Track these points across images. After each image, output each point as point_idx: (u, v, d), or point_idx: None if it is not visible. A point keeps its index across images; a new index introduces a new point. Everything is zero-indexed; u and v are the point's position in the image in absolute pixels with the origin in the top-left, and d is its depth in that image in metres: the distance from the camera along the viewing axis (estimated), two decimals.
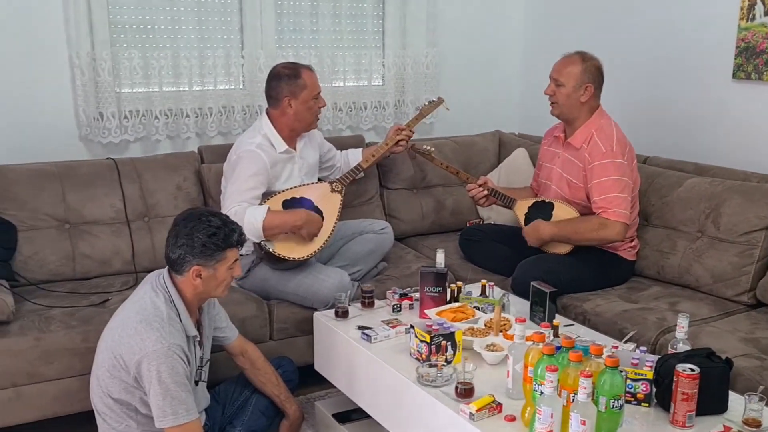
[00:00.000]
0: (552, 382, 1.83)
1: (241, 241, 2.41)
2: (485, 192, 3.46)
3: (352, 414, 2.84)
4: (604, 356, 1.96)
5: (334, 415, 2.84)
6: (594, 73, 3.19)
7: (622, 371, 2.03)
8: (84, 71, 3.50)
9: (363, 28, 4.21)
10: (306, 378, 3.03)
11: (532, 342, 2.05)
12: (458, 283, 2.90)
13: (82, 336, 2.73)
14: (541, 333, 2.04)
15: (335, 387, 2.88)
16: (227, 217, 2.42)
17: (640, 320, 2.85)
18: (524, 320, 2.18)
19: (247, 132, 3.31)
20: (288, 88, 3.16)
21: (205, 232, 2.31)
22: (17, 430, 2.77)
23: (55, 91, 3.54)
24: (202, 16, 3.78)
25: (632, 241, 3.31)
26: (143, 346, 2.24)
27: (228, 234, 2.35)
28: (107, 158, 3.45)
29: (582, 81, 3.16)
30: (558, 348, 2.02)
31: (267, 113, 3.26)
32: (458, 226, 3.95)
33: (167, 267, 2.41)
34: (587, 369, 1.90)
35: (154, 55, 3.67)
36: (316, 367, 2.93)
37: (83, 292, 3.04)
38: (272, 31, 3.93)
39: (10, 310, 2.70)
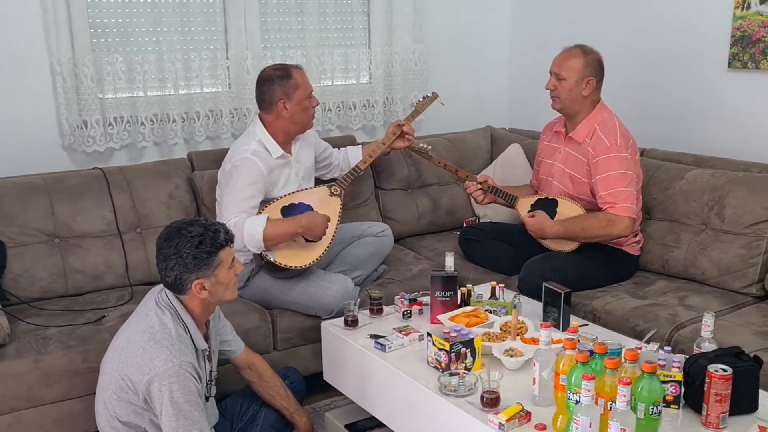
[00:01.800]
0: (589, 391, 1.77)
1: (228, 238, 2.31)
2: (483, 190, 3.40)
3: (363, 423, 2.77)
4: (640, 361, 1.91)
5: (346, 426, 2.76)
6: (595, 66, 3.14)
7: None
8: (66, 78, 3.37)
9: (350, 25, 4.12)
10: (311, 387, 2.95)
11: (561, 348, 1.99)
12: (468, 286, 2.83)
13: (81, 356, 2.62)
14: (572, 340, 1.99)
15: (341, 395, 2.82)
16: (206, 220, 2.32)
17: (652, 317, 2.82)
18: (549, 325, 2.12)
19: (240, 138, 3.21)
20: (281, 90, 3.07)
21: (190, 244, 2.21)
22: None
23: (36, 100, 3.40)
24: (185, 17, 3.66)
25: (636, 235, 3.28)
26: (153, 366, 2.15)
27: (213, 237, 2.25)
28: (94, 168, 3.33)
29: (584, 74, 3.12)
30: (591, 354, 1.97)
31: (260, 118, 3.16)
32: (454, 225, 3.89)
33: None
34: (623, 375, 1.85)
35: (137, 59, 3.54)
36: (325, 377, 2.86)
37: (77, 309, 2.92)
38: (257, 31, 3.82)
39: (5, 332, 2.58)
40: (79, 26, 3.38)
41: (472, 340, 2.32)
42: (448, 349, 2.28)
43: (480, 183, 3.41)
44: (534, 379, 2.11)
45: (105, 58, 3.48)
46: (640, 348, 2.31)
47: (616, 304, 2.95)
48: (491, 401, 2.09)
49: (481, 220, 3.92)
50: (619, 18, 3.94)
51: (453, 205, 3.94)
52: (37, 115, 3.41)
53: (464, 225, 3.82)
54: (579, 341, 2.16)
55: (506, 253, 3.41)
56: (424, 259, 3.54)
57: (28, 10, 3.30)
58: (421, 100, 3.72)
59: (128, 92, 3.56)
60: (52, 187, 3.13)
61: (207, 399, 2.39)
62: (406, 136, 3.48)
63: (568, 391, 1.90)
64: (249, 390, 2.70)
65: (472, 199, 3.54)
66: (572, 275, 3.03)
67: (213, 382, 2.45)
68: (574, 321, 2.69)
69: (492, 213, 3.87)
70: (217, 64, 3.74)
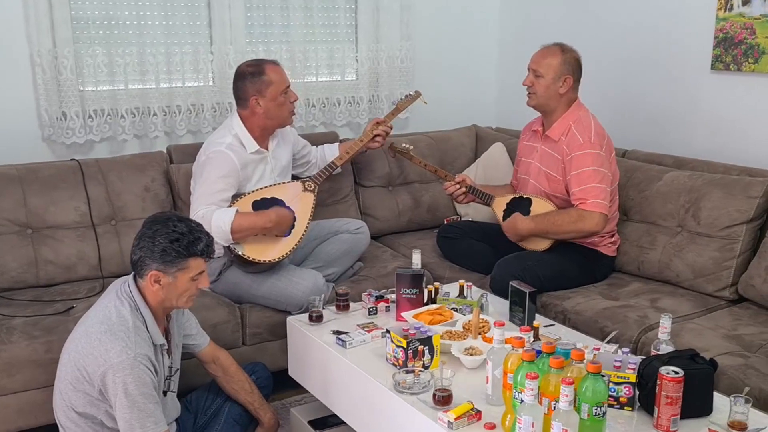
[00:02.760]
0: (533, 390, 1.76)
1: (208, 251, 2.30)
2: (463, 189, 3.39)
3: (329, 419, 2.76)
4: (585, 361, 1.89)
5: (309, 422, 2.75)
6: (573, 65, 3.13)
7: (604, 375, 1.96)
8: (45, 70, 3.37)
9: (335, 21, 4.10)
10: (282, 382, 2.94)
11: (511, 347, 1.97)
12: (435, 284, 2.82)
13: (45, 347, 2.62)
14: (521, 338, 1.97)
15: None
16: (198, 225, 2.31)
17: (621, 318, 2.79)
18: (503, 324, 2.10)
19: (217, 131, 3.20)
20: (253, 87, 3.05)
21: (167, 237, 2.21)
22: None
23: (15, 91, 3.40)
24: (169, 11, 3.66)
25: (612, 236, 3.26)
26: (107, 357, 2.14)
27: (192, 242, 2.24)
28: (71, 159, 3.33)
29: (561, 72, 3.11)
30: (538, 353, 1.95)
31: (238, 114, 3.15)
32: (435, 224, 3.87)
33: (132, 272, 2.31)
34: (569, 375, 1.84)
35: (118, 52, 3.54)
36: (291, 373, 2.85)
37: (47, 300, 2.92)
38: (242, 26, 3.81)
39: None
40: (61, 17, 3.37)
41: (430, 337, 2.30)
42: (405, 346, 2.26)
43: (458, 183, 3.39)
44: (487, 377, 2.10)
45: (86, 50, 3.48)
46: (598, 348, 2.29)
47: (587, 305, 2.92)
48: (443, 399, 2.07)
49: (462, 219, 3.90)
50: (604, 19, 3.91)
51: (434, 203, 3.93)
52: (17, 105, 3.41)
53: (445, 223, 3.81)
54: (528, 340, 2.14)
55: (484, 252, 3.39)
56: (401, 256, 3.53)
57: None
58: (403, 98, 3.70)
59: (109, 85, 3.56)
60: (26, 177, 3.13)
61: (165, 393, 2.38)
62: (377, 138, 3.47)
63: (515, 390, 1.88)
64: (214, 384, 2.69)
65: (455, 201, 3.52)
66: (544, 275, 3.02)
67: (173, 377, 2.44)
68: (541, 321, 2.66)
69: (473, 212, 3.86)
70: (199, 58, 3.73)
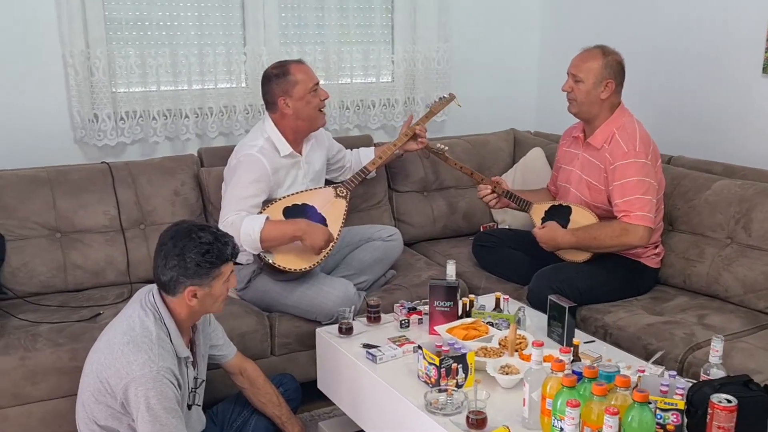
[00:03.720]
0: (574, 418, 1.65)
1: (235, 253, 2.25)
2: (495, 194, 3.27)
3: None
4: (631, 389, 1.77)
5: None
6: (615, 69, 2.98)
7: (650, 402, 1.84)
8: (78, 71, 3.34)
9: (371, 22, 4.01)
10: (311, 394, 2.86)
11: (549, 367, 1.86)
12: (471, 296, 2.71)
13: (69, 354, 2.57)
14: (561, 361, 1.85)
15: None
16: (217, 229, 2.24)
17: (666, 336, 2.65)
18: (542, 344, 1.99)
19: (249, 134, 3.13)
20: (279, 88, 2.97)
21: (197, 250, 2.14)
22: None
23: (48, 93, 3.37)
24: (202, 11, 3.60)
25: (656, 247, 3.11)
26: (130, 369, 2.08)
27: (221, 249, 2.18)
28: (102, 162, 3.29)
29: (602, 77, 2.96)
30: (579, 376, 1.83)
31: (271, 118, 3.07)
32: (471, 231, 3.76)
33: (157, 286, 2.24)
34: (613, 403, 1.72)
35: (151, 53, 3.49)
36: (320, 386, 2.76)
37: (74, 305, 2.88)
38: (276, 27, 3.74)
39: None
40: (94, 18, 3.34)
41: (464, 355, 2.20)
42: (437, 363, 2.16)
43: (491, 186, 3.27)
44: (524, 400, 1.99)
45: (119, 51, 3.43)
46: (643, 370, 2.16)
47: (630, 320, 2.79)
48: (477, 422, 1.97)
49: (499, 226, 3.78)
50: (651, 20, 3.76)
51: (471, 209, 3.81)
52: (50, 107, 3.39)
53: (481, 230, 3.69)
54: (570, 361, 2.02)
55: (521, 261, 3.26)
56: (435, 264, 3.42)
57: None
58: (437, 101, 3.60)
59: (141, 86, 3.52)
60: (55, 180, 3.09)
61: (190, 407, 2.32)
62: (419, 138, 3.37)
63: (554, 417, 1.77)
64: (242, 396, 2.62)
65: (487, 205, 3.41)
66: (583, 287, 2.89)
67: (198, 389, 2.37)
68: (581, 337, 2.54)
69: (511, 219, 3.74)
70: (232, 59, 3.67)
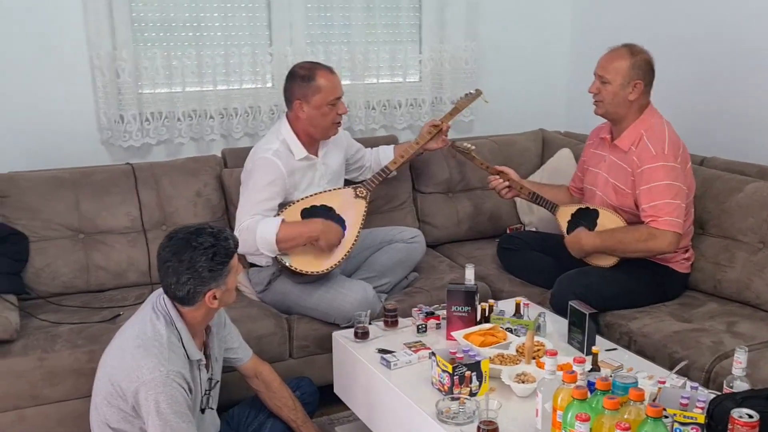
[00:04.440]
0: None
1: (236, 243, 2.25)
2: (506, 183, 3.21)
3: None
4: (645, 402, 1.70)
5: None
6: (644, 68, 2.89)
7: (667, 416, 1.77)
8: (104, 72, 3.36)
9: (398, 21, 3.97)
10: (329, 397, 2.83)
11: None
12: (490, 301, 2.66)
13: (87, 356, 2.58)
14: (573, 372, 1.79)
15: None
16: (210, 226, 2.22)
17: (692, 344, 2.57)
18: (555, 353, 1.94)
19: (265, 137, 3.11)
20: (299, 91, 2.93)
21: (204, 257, 2.13)
22: None
23: (75, 94, 3.39)
24: (228, 12, 3.60)
25: (686, 252, 3.02)
26: (140, 373, 2.08)
27: (225, 246, 2.18)
28: (126, 163, 3.30)
29: (630, 77, 2.87)
30: (592, 388, 1.77)
31: (287, 116, 3.05)
32: (497, 233, 3.69)
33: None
34: (626, 417, 1.66)
35: (176, 54, 3.50)
36: (336, 391, 2.74)
37: (95, 306, 2.89)
38: (302, 26, 3.72)
39: (13, 328, 2.57)
40: (121, 20, 3.35)
41: (479, 363, 2.15)
42: (450, 371, 2.12)
43: (498, 174, 3.24)
44: (537, 410, 1.93)
45: (145, 52, 3.45)
46: (664, 381, 2.09)
47: (655, 327, 2.71)
48: None
49: (526, 228, 3.71)
50: (685, 17, 3.64)
51: (497, 210, 3.75)
52: (76, 108, 3.41)
53: (507, 232, 3.63)
54: (588, 370, 1.96)
55: (546, 264, 3.20)
56: (458, 267, 3.36)
57: (68, 1, 3.28)
58: (462, 97, 3.53)
59: (166, 87, 3.52)
60: (79, 181, 3.11)
61: (203, 410, 2.31)
62: (442, 137, 3.31)
63: (563, 431, 1.71)
64: (257, 399, 2.61)
65: (498, 195, 3.33)
66: (608, 293, 2.82)
67: (212, 391, 2.36)
68: (603, 344, 2.47)
69: (537, 221, 3.67)
70: (257, 60, 3.66)
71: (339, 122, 3.04)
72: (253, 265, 3.08)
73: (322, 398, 2.78)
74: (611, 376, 1.91)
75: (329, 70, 3.00)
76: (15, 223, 2.97)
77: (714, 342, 2.56)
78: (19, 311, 2.71)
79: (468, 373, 2.13)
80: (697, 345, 2.56)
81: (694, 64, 3.60)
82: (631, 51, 2.89)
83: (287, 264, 2.83)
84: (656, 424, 1.63)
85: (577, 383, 1.77)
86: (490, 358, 2.27)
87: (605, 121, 3.11)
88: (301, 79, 2.93)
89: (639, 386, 1.87)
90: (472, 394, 2.13)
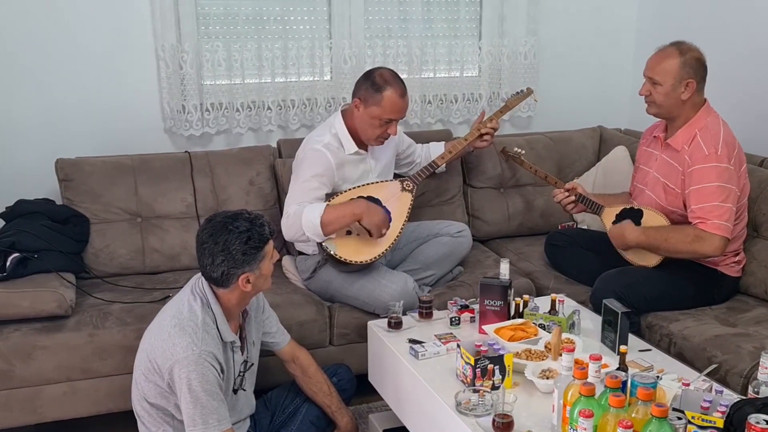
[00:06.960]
0: (586, 429, 1.59)
1: (272, 230, 2.31)
2: (572, 198, 3.16)
3: (403, 430, 2.67)
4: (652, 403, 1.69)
5: (385, 431, 2.68)
6: (695, 66, 2.80)
7: (681, 418, 1.75)
8: (168, 64, 3.50)
9: (456, 15, 3.98)
10: (367, 385, 2.88)
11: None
12: (525, 297, 2.65)
13: (135, 333, 2.69)
14: (583, 368, 1.79)
15: None
16: (248, 213, 2.30)
17: (732, 348, 2.50)
18: (572, 349, 1.93)
19: (317, 129, 3.18)
20: (365, 93, 2.96)
21: (239, 240, 2.21)
22: (73, 423, 2.82)
23: (141, 84, 3.56)
24: (289, 6, 3.70)
25: (737, 255, 2.93)
26: (174, 351, 2.18)
27: (260, 231, 2.25)
28: (184, 152, 3.44)
29: (681, 77, 2.79)
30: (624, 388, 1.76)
31: (342, 111, 3.11)
32: (548, 229, 3.64)
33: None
34: (632, 416, 1.65)
35: (237, 47, 3.61)
36: (370, 379, 2.79)
37: (148, 287, 3.03)
38: (361, 20, 3.78)
39: (68, 305, 2.72)
40: (186, 13, 3.50)
41: (502, 356, 2.16)
42: (473, 363, 2.14)
43: (567, 191, 3.17)
44: (553, 406, 1.93)
45: (207, 45, 3.57)
46: (688, 384, 2.05)
47: (697, 330, 2.65)
48: (502, 426, 1.93)
49: (578, 226, 3.67)
50: (750, 12, 3.52)
51: (548, 207, 3.71)
52: (142, 97, 3.57)
53: (559, 229, 3.60)
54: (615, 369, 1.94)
55: (592, 262, 3.14)
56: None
57: None
58: (513, 95, 3.53)
59: (227, 79, 3.64)
60: (139, 168, 3.26)
61: (236, 391, 2.39)
62: (485, 136, 3.32)
63: (570, 426, 1.72)
64: (295, 384, 2.68)
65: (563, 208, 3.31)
66: (650, 293, 2.77)
67: (247, 373, 2.44)
68: (637, 345, 2.44)
69: (590, 219, 3.61)
70: (315, 53, 3.73)
71: (384, 139, 3.05)
72: (300, 253, 3.16)
73: (360, 386, 2.83)
74: (627, 375, 1.89)
75: (402, 91, 2.97)
76: (78, 205, 3.14)
77: (755, 347, 2.49)
78: (77, 289, 2.87)
79: (491, 366, 2.14)
80: (737, 350, 2.49)
81: (755, 63, 3.48)
82: (679, 49, 2.82)
83: (333, 252, 2.89)
84: (661, 424, 1.61)
85: (588, 379, 1.76)
86: (516, 353, 2.27)
87: (659, 120, 3.05)
88: (372, 84, 2.95)
89: (661, 387, 1.85)
90: (495, 388, 2.14)
